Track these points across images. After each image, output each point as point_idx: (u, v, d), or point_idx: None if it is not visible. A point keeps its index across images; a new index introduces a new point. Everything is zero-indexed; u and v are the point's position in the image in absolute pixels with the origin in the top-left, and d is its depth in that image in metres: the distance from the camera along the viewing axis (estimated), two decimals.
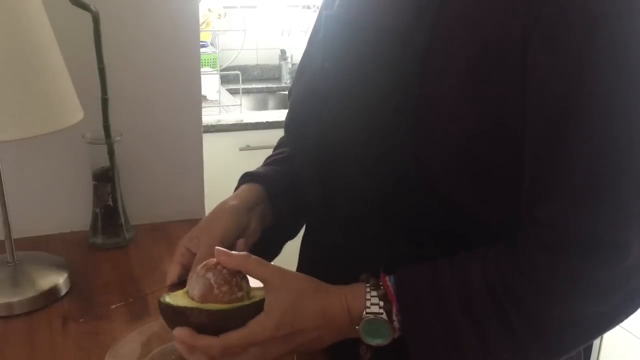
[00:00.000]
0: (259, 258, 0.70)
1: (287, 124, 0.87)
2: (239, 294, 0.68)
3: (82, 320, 0.91)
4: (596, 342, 2.23)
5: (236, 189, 0.92)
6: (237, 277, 0.69)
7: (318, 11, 0.95)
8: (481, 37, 0.64)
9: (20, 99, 0.85)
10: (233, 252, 0.70)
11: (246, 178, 0.92)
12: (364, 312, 0.68)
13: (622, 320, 0.66)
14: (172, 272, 0.84)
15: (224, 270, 0.69)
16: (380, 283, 0.69)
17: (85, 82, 1.01)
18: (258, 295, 0.70)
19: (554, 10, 0.60)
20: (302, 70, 0.90)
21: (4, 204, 0.97)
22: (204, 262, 0.71)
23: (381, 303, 0.68)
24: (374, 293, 0.68)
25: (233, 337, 0.66)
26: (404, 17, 0.70)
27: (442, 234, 0.71)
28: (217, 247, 0.70)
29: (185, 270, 0.84)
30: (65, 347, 0.86)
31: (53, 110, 0.90)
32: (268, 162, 0.99)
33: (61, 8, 0.98)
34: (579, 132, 0.60)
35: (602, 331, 0.67)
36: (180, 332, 0.66)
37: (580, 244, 0.62)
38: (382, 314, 0.67)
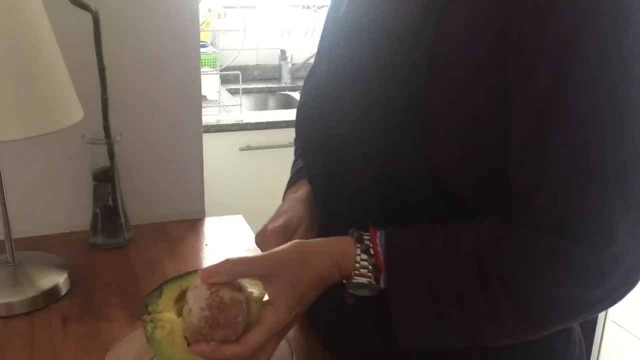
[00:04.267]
0: (242, 258, 0.68)
1: (295, 125, 0.88)
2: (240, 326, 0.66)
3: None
4: (596, 341, 2.23)
5: (292, 182, 0.94)
6: (231, 311, 0.65)
7: (326, 14, 0.95)
8: (483, 33, 0.64)
9: (20, 99, 0.85)
10: (216, 266, 0.66)
11: (301, 173, 0.94)
12: (353, 274, 0.69)
13: (604, 309, 0.67)
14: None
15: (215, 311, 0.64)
16: (371, 247, 0.69)
17: (85, 82, 1.01)
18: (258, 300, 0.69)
19: (541, 5, 0.60)
20: (310, 73, 0.91)
21: (4, 204, 0.97)
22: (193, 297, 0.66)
23: (370, 267, 0.69)
24: (364, 257, 0.69)
25: (253, 338, 0.65)
26: (409, 18, 0.70)
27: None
28: (200, 270, 0.67)
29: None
30: (65, 347, 0.86)
31: (53, 110, 0.90)
32: None
33: (61, 8, 0.99)
34: (566, 119, 0.61)
35: (583, 315, 0.67)
36: (202, 347, 0.64)
37: (570, 228, 0.62)
38: (370, 277, 0.68)
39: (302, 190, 0.91)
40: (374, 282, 0.68)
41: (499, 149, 0.66)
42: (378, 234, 0.69)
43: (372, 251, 0.69)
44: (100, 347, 0.84)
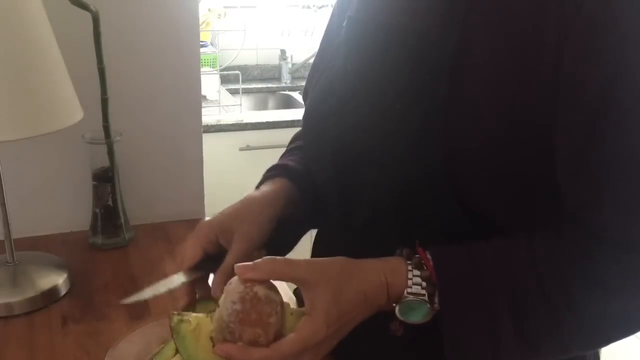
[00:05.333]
0: (285, 258, 0.64)
1: (304, 126, 0.85)
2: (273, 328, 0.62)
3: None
4: None
5: (262, 181, 0.88)
6: (266, 311, 0.62)
7: (332, 11, 0.93)
8: (513, 39, 0.63)
9: (20, 99, 0.85)
10: (255, 262, 0.64)
11: (272, 172, 0.88)
12: (405, 292, 0.64)
13: None
14: (192, 254, 0.76)
15: (251, 313, 0.61)
16: (423, 263, 0.65)
17: (85, 82, 1.01)
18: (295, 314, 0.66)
19: (589, 14, 0.59)
20: (318, 71, 0.88)
21: (4, 204, 0.97)
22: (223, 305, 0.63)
23: (424, 284, 0.64)
24: (417, 273, 0.65)
25: (285, 345, 0.61)
26: (431, 18, 0.68)
27: (463, 237, 0.68)
28: (236, 265, 0.64)
29: (206, 257, 0.77)
30: (65, 347, 0.86)
31: (53, 110, 0.90)
32: (291, 153, 0.94)
33: (61, 8, 0.98)
34: (617, 135, 0.60)
35: None
36: (228, 347, 0.61)
37: (634, 242, 0.61)
38: (424, 295, 0.64)
39: (267, 193, 0.83)
40: (427, 299, 0.64)
41: (521, 155, 0.64)
42: (427, 253, 0.66)
43: (424, 264, 0.65)
44: (100, 347, 0.84)
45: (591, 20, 0.59)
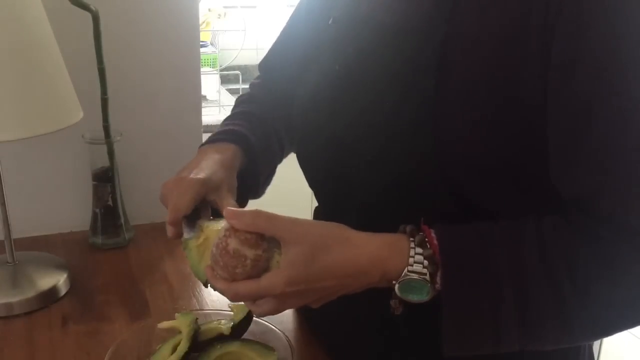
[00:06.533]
0: (269, 213, 0.65)
1: (296, 127, 0.85)
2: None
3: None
4: (596, 341, 2.23)
5: (214, 140, 0.88)
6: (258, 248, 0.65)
7: (298, 7, 0.94)
8: (499, 27, 0.63)
9: (20, 99, 0.85)
10: (242, 211, 0.66)
11: (226, 136, 0.88)
12: (406, 270, 0.63)
13: None
14: (187, 209, 0.75)
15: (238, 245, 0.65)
16: (427, 241, 0.64)
17: (85, 82, 1.01)
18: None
19: (576, 1, 0.59)
20: (282, 55, 0.88)
21: (4, 204, 0.97)
22: (216, 241, 0.67)
23: (425, 262, 0.63)
24: (419, 251, 0.64)
25: (241, 287, 0.64)
26: (418, 14, 0.69)
27: None
28: (226, 209, 0.66)
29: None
30: (65, 347, 0.86)
31: (53, 110, 0.90)
32: (242, 118, 0.94)
33: (61, 8, 0.99)
34: (612, 121, 0.60)
35: None
36: (208, 270, 0.67)
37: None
38: (425, 274, 0.63)
39: (227, 155, 0.84)
40: (428, 278, 0.63)
41: (513, 147, 0.64)
42: (432, 231, 0.65)
43: (427, 243, 0.64)
44: (100, 347, 0.85)
45: (580, 6, 0.59)
